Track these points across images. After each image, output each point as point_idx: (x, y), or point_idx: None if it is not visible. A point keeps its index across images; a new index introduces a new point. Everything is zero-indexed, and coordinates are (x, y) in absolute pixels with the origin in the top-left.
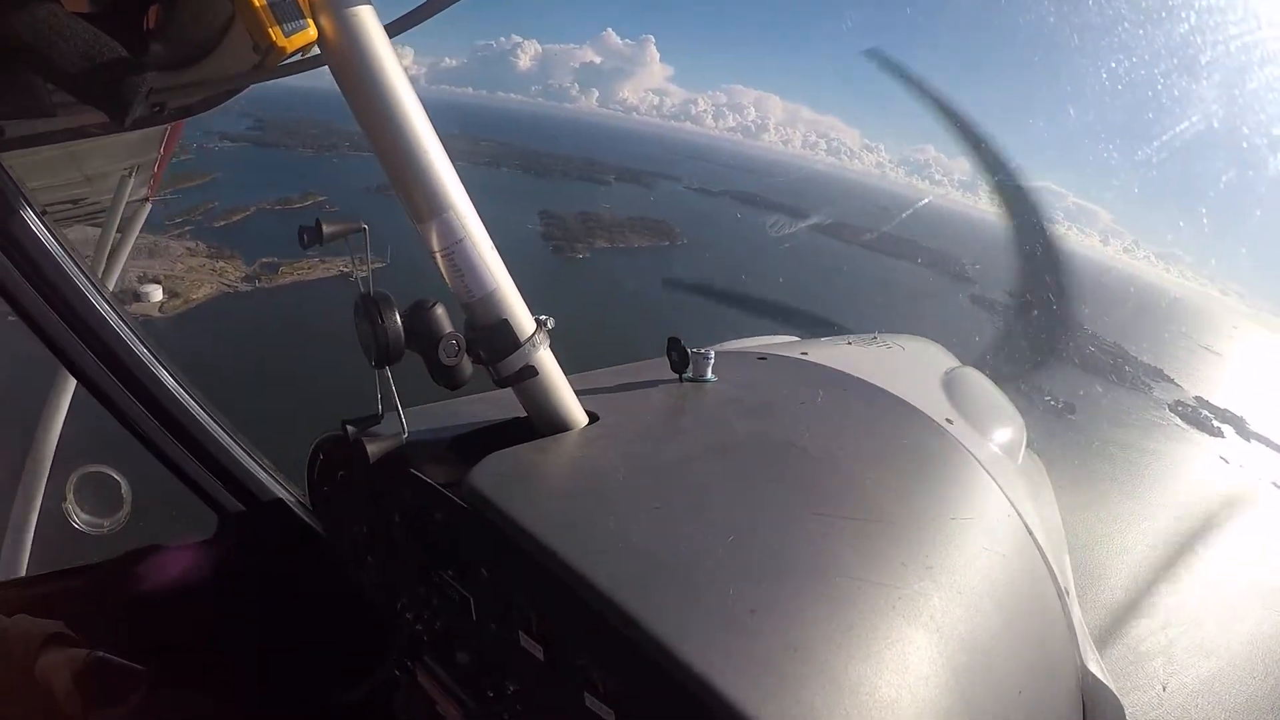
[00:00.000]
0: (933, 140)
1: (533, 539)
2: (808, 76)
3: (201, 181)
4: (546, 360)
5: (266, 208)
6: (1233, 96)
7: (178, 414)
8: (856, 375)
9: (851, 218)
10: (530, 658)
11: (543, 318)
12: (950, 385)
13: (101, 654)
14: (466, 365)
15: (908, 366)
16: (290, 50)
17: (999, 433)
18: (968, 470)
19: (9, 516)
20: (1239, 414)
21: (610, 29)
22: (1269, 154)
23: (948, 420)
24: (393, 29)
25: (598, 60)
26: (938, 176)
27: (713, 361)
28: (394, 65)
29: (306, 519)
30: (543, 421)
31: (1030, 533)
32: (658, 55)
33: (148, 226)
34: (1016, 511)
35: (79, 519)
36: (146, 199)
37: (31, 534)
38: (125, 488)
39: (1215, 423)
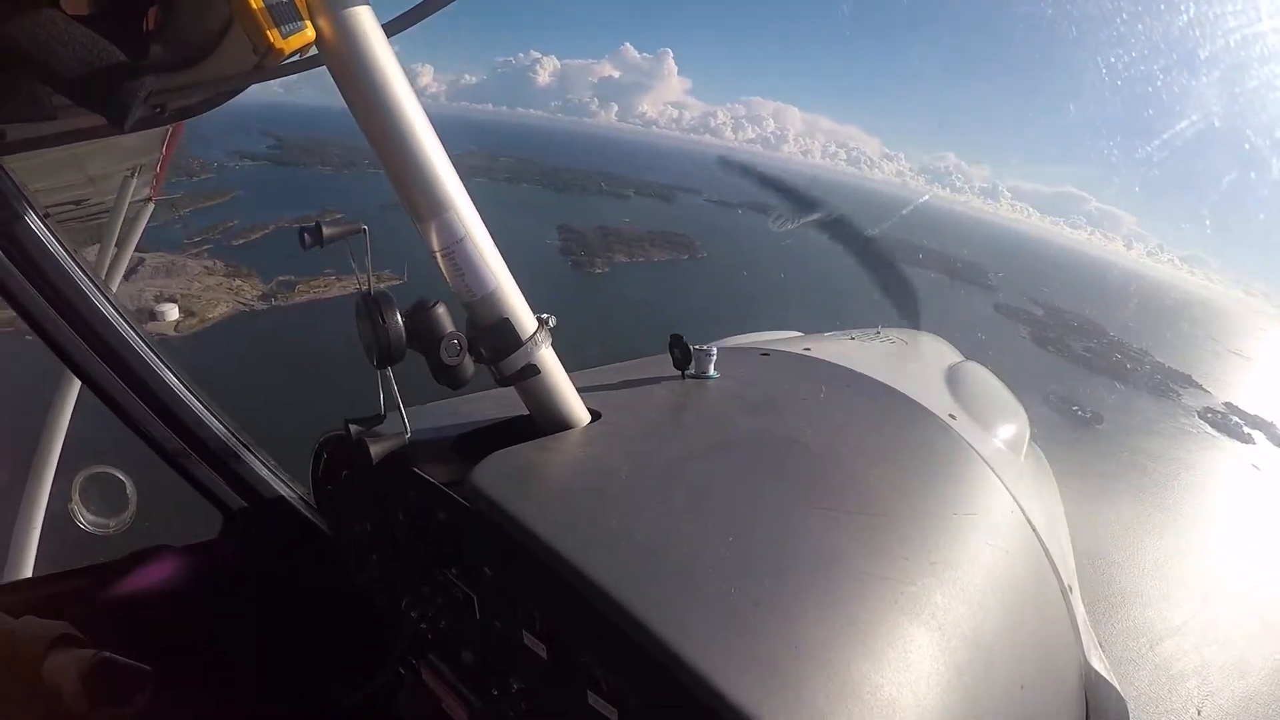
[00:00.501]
0: (953, 148)
1: (535, 537)
2: (827, 85)
3: (221, 200)
4: (548, 358)
5: (285, 225)
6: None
7: (182, 414)
8: (859, 371)
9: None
10: (534, 656)
11: (544, 316)
12: (954, 380)
13: (108, 654)
14: (468, 365)
15: (911, 361)
16: (288, 52)
17: (1003, 428)
18: (971, 466)
19: (15, 518)
20: (1270, 419)
21: (628, 43)
22: None
23: (951, 416)
24: (391, 28)
25: (616, 74)
26: (959, 184)
27: (715, 358)
28: (392, 65)
29: (311, 518)
30: (545, 420)
31: (1034, 529)
32: (676, 68)
33: (165, 245)
34: (1020, 508)
35: (84, 520)
36: (149, 199)
37: (38, 535)
38: (130, 488)
39: (1246, 429)
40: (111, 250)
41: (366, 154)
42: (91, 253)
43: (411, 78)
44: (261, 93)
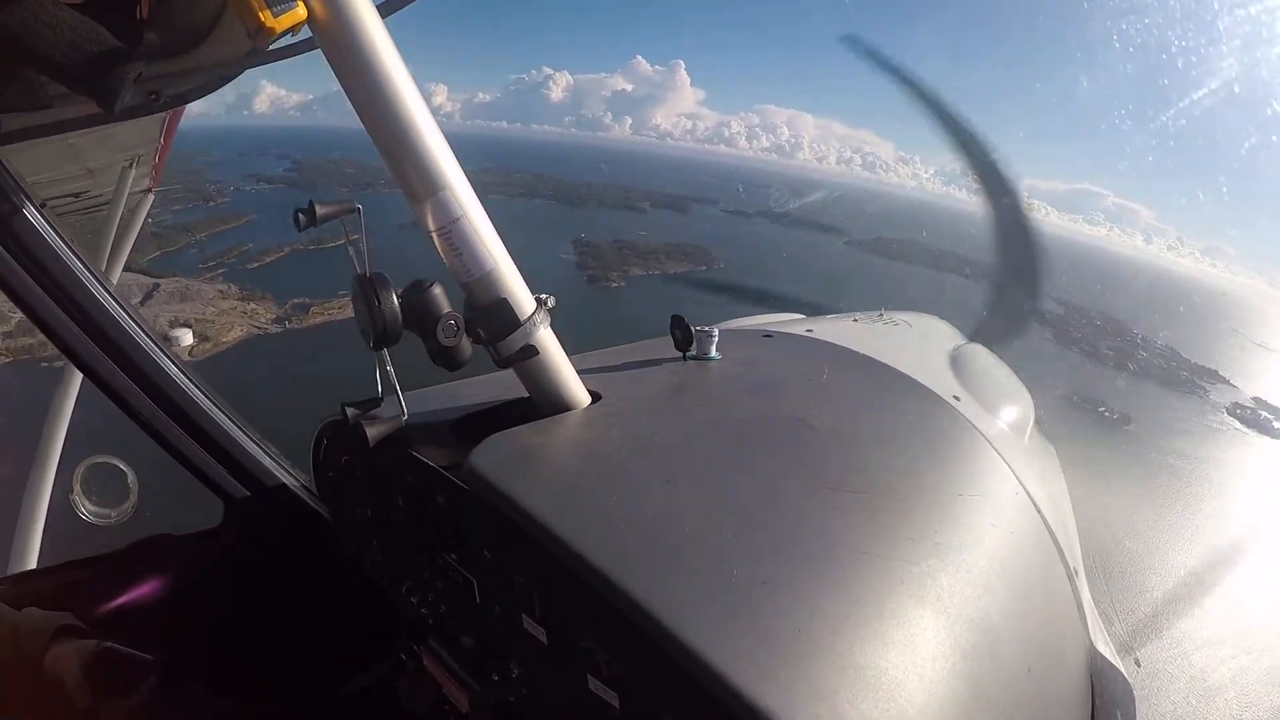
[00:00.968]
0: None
1: (534, 520)
2: (838, 91)
3: (237, 224)
4: (547, 339)
5: (300, 248)
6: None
7: (182, 403)
8: (862, 352)
9: (892, 232)
10: (534, 640)
11: (543, 296)
12: (957, 362)
13: (110, 644)
14: (466, 346)
15: (914, 343)
16: (279, 30)
17: (1007, 410)
18: (975, 447)
19: (18, 510)
20: None
21: (640, 56)
22: None
23: (955, 397)
24: (385, 9)
25: (629, 88)
26: (974, 184)
27: (717, 339)
28: (386, 43)
29: (313, 505)
30: (544, 402)
31: (1039, 511)
32: (688, 79)
33: (181, 270)
34: (1025, 489)
35: (86, 510)
36: (149, 190)
37: (41, 527)
38: (132, 478)
39: (1276, 424)
40: (111, 242)
41: (383, 174)
42: (92, 245)
43: (426, 97)
44: (279, 117)
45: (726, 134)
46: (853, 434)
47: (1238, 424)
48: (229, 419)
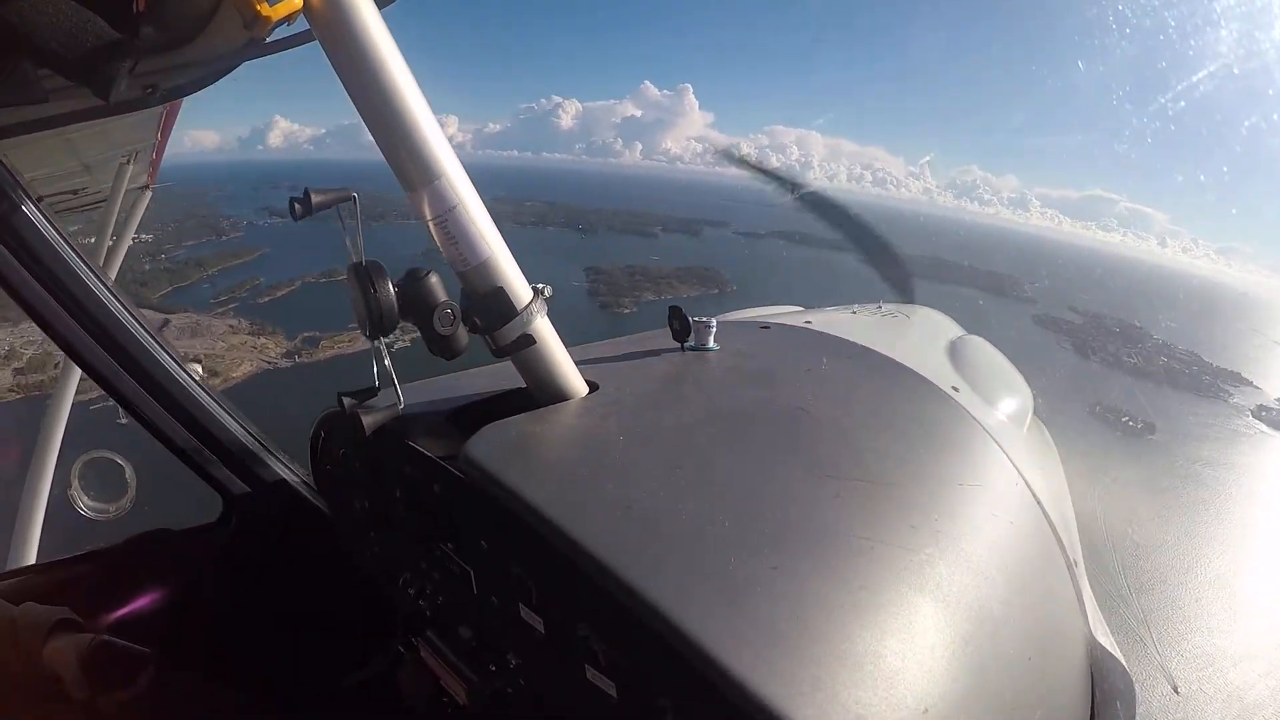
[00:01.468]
0: (975, 159)
1: (531, 509)
2: (846, 110)
3: (248, 259)
4: (544, 329)
5: (311, 281)
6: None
7: (180, 398)
8: (861, 343)
9: (910, 248)
10: (531, 630)
11: (540, 285)
12: (956, 353)
13: (107, 637)
14: (462, 335)
15: (913, 334)
16: (275, 20)
17: (1005, 401)
18: (974, 437)
19: (17, 505)
20: None
21: (648, 81)
22: None
23: (953, 388)
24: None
25: (638, 113)
26: (986, 196)
27: (715, 330)
28: (382, 32)
29: (311, 498)
30: (542, 391)
31: (1038, 501)
32: (696, 103)
33: (192, 305)
34: (1024, 480)
35: (84, 505)
36: (146, 186)
37: (40, 522)
38: (129, 473)
39: None
40: (109, 238)
41: (395, 205)
42: (90, 241)
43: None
44: (292, 151)
45: (737, 156)
46: (851, 423)
47: (1264, 427)
48: (226, 413)
